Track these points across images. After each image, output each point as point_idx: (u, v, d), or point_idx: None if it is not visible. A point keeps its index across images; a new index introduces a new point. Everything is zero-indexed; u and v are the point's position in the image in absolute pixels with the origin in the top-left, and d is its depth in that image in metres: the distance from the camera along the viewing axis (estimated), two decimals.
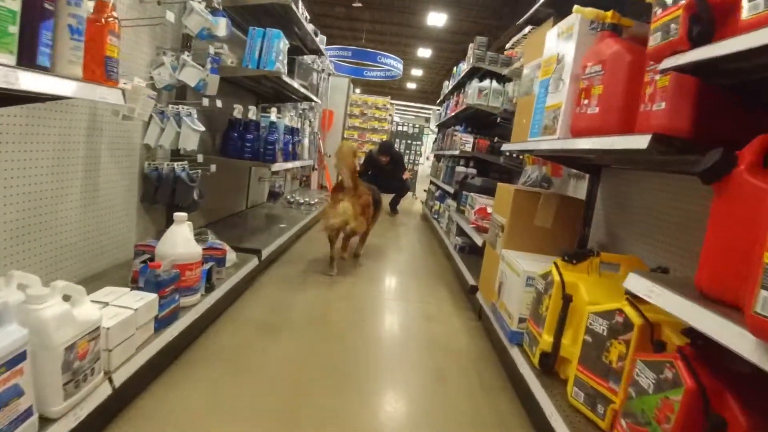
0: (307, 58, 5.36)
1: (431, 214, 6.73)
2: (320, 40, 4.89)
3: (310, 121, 6.64)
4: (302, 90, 4.36)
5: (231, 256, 3.15)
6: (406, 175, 7.54)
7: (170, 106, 3.00)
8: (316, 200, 6.14)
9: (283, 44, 3.60)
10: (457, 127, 5.92)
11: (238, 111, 3.57)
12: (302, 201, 5.87)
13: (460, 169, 5.18)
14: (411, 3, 15.10)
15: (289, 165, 3.98)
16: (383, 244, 5.55)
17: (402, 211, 8.17)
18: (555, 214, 2.91)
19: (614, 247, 2.77)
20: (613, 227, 2.86)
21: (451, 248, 4.68)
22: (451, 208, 5.22)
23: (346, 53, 17.11)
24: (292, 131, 4.34)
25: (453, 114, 6.13)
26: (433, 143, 8.45)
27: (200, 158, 3.15)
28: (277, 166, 3.63)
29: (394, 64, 17.92)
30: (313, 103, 6.53)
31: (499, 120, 4.86)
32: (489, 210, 3.81)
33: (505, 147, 3.21)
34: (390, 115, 11.55)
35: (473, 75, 5.37)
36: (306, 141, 4.94)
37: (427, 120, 21.90)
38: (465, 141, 5.02)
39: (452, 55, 22.71)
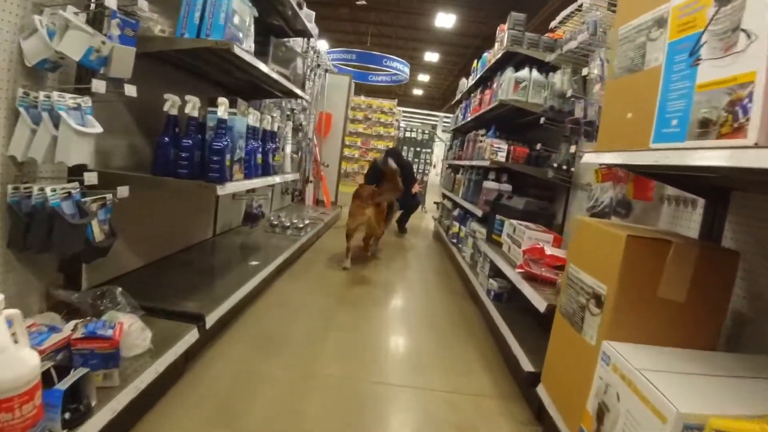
0: (296, 44, 4.09)
1: (448, 238, 5.43)
2: (307, 15, 3.61)
3: (300, 125, 5.36)
4: (279, 79, 3.09)
5: (143, 336, 1.87)
6: (416, 188, 6.24)
7: (57, 95, 1.75)
8: (307, 221, 4.85)
9: (242, 4, 2.33)
10: (482, 132, 4.60)
11: (171, 104, 2.29)
12: (289, 223, 4.58)
13: (489, 185, 3.89)
14: (418, 3, 13.91)
15: (255, 183, 2.70)
16: (390, 278, 4.27)
17: (410, 228, 6.87)
18: (692, 276, 1.63)
19: None
20: None
21: (483, 293, 3.38)
22: (477, 235, 3.92)
23: (350, 56, 15.90)
24: (264, 136, 3.07)
25: (475, 115, 4.84)
26: (447, 150, 7.12)
27: (91, 178, 1.87)
28: (232, 187, 2.35)
29: (400, 67, 16.68)
30: (302, 102, 5.25)
31: (543, 121, 3.58)
32: (548, 250, 2.52)
33: (590, 159, 1.94)
34: (397, 120, 10.29)
35: (506, 63, 4.08)
36: (289, 148, 3.65)
37: (434, 127, 20.65)
38: (497, 149, 3.73)
39: (459, 59, 21.49)
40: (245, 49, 2.40)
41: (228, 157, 2.32)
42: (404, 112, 19.02)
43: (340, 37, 18.79)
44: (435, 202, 10.75)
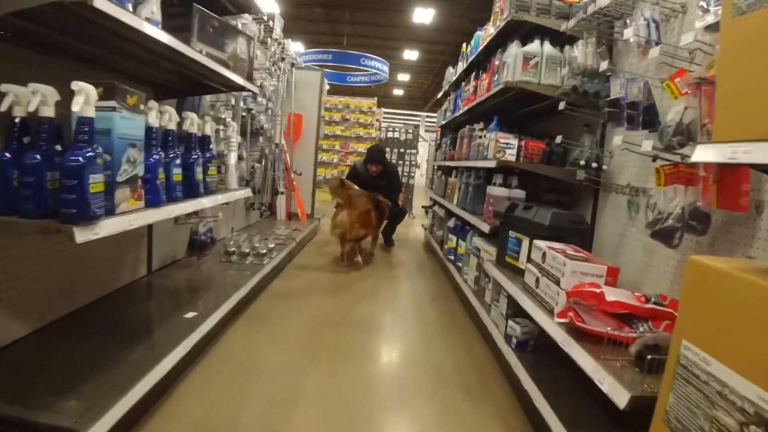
0: (247, 28, 3.16)
1: (443, 253, 4.57)
2: None
3: (262, 128, 4.42)
4: (206, 62, 2.17)
5: None
6: (401, 200, 5.33)
7: None
8: (273, 244, 3.91)
9: None
10: (478, 126, 3.71)
11: (13, 100, 1.36)
12: (249, 249, 3.64)
13: (496, 191, 3.00)
14: None
15: (162, 213, 1.76)
16: (377, 311, 3.36)
17: (398, 238, 5.96)
18: None
19: None
20: None
21: (499, 337, 2.50)
22: (483, 255, 3.04)
23: (327, 56, 14.93)
24: (189, 142, 2.14)
25: (469, 106, 3.97)
26: (436, 150, 6.19)
27: None
28: (112, 225, 1.42)
29: (379, 66, 15.76)
30: (265, 102, 4.32)
31: (563, 106, 2.71)
32: (608, 294, 1.63)
33: (701, 157, 1.03)
34: (377, 120, 9.38)
35: (508, 37, 3.21)
36: (234, 158, 2.73)
37: (417, 127, 19.78)
38: (505, 145, 2.85)
39: (440, 57, 20.69)
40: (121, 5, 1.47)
41: (96, 177, 1.39)
42: (386, 113, 18.13)
43: (316, 38, 17.83)
44: (423, 207, 9.86)
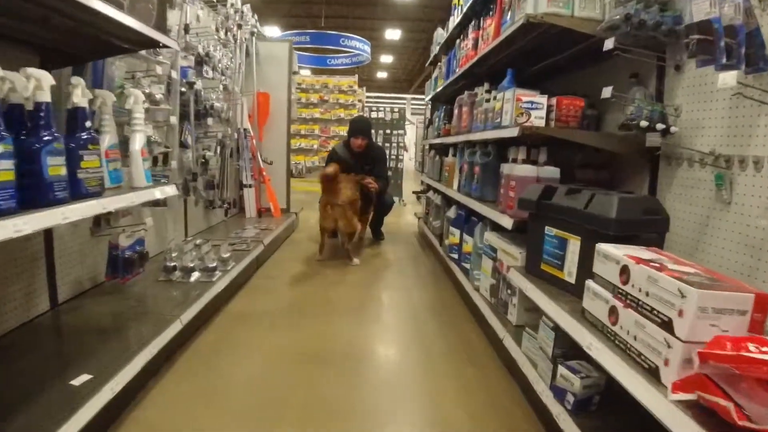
0: None
1: (444, 250, 3.71)
2: None
3: (212, 107, 3.54)
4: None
5: None
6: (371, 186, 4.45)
7: None
8: (229, 254, 3.03)
9: None
10: (482, 89, 2.85)
11: None
12: (194, 263, 2.77)
13: (519, 170, 2.16)
14: None
15: None
16: (361, 334, 2.52)
17: (387, 229, 5.11)
18: None
19: None
20: None
21: (545, 391, 1.64)
22: (503, 257, 2.19)
23: (304, 38, 13.89)
24: (38, 115, 1.24)
25: (469, 64, 3.10)
26: (426, 128, 5.27)
27: None
28: None
29: (359, 46, 14.75)
30: (209, 72, 3.44)
31: (612, 45, 1.86)
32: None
33: None
34: (359, 100, 8.45)
35: None
36: (138, 142, 1.83)
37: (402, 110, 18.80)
38: (530, 105, 1.99)
39: (423, 35, 19.64)
40: None
41: None
42: (369, 97, 17.09)
43: (292, 22, 16.72)
44: (414, 193, 8.99)
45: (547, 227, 1.83)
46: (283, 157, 5.19)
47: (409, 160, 16.41)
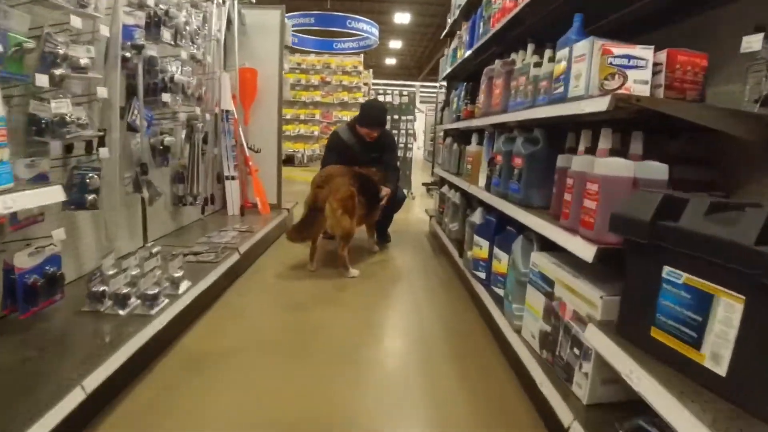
0: None
1: (466, 263, 2.93)
2: None
3: (169, 81, 2.76)
4: None
5: None
6: (385, 195, 3.68)
7: None
8: (180, 273, 2.27)
9: None
10: (525, 52, 2.03)
11: None
12: (126, 289, 2.00)
13: (602, 166, 1.31)
14: None
15: None
16: (359, 393, 1.73)
17: (395, 227, 4.33)
18: None
19: None
20: None
21: None
22: (568, 299, 1.40)
23: (309, 20, 13.02)
24: None
25: (510, 16, 2.25)
26: (442, 110, 4.41)
27: None
28: None
29: (367, 29, 13.85)
30: (165, 35, 2.66)
31: None
32: None
33: None
34: (365, 83, 7.62)
35: None
36: None
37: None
38: (626, 61, 1.17)
39: (433, 19, 18.70)
40: None
41: None
42: (376, 84, 16.18)
43: (297, 4, 15.82)
44: (425, 185, 8.18)
45: (668, 268, 1.04)
46: (274, 145, 4.40)
47: (417, 149, 15.59)
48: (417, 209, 6.32)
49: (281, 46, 4.35)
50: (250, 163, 4.18)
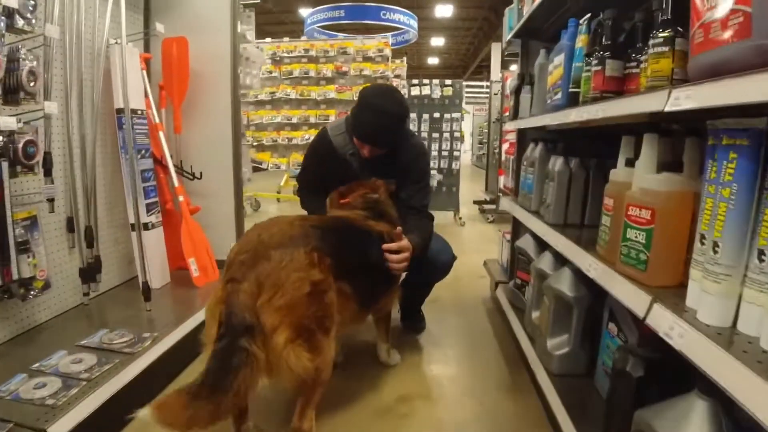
0: None
1: (600, 380, 0.84)
2: None
3: None
4: None
5: None
6: (397, 261, 1.72)
7: None
8: None
9: None
10: None
11: None
12: None
13: None
14: None
15: None
16: None
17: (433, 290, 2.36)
18: None
19: None
20: None
21: None
22: None
23: (338, 13, 11.29)
24: None
25: None
26: (515, 92, 2.32)
27: None
28: None
29: (405, 20, 11.93)
30: None
31: None
32: None
33: None
34: (397, 75, 5.71)
35: None
36: None
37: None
38: None
39: (479, 12, 16.56)
40: None
41: None
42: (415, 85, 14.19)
43: None
44: (477, 203, 6.14)
45: None
46: (227, 165, 2.54)
47: (464, 153, 13.47)
48: (467, 244, 4.31)
49: (234, 6, 2.48)
50: (180, 197, 2.35)
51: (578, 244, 1.31)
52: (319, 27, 11.52)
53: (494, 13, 15.14)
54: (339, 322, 1.50)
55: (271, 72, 4.96)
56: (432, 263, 1.98)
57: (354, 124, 1.92)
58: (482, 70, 22.78)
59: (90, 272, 2.04)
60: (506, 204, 2.28)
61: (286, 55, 4.97)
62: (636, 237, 0.98)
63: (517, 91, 2.24)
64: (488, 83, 8.88)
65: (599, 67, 1.22)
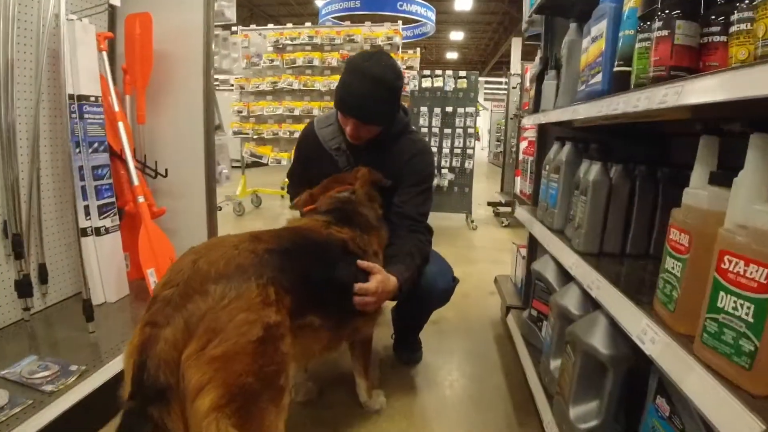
0: None
1: None
2: None
3: None
4: None
5: None
6: (369, 297, 1.34)
7: None
8: None
9: None
10: None
11: None
12: None
13: None
14: None
15: None
16: None
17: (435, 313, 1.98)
18: None
19: None
20: None
21: None
22: None
23: (354, 3, 10.85)
24: None
25: None
26: (535, 81, 1.86)
27: None
28: None
29: (422, 12, 11.44)
30: None
31: None
32: None
33: None
34: (409, 66, 5.30)
35: None
36: None
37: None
38: None
39: (499, 5, 15.97)
40: None
41: None
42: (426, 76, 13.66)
43: None
44: (491, 205, 5.70)
45: None
46: (198, 163, 2.18)
47: (480, 150, 12.94)
48: (478, 252, 3.90)
49: None
50: (140, 198, 2.00)
51: (625, 291, 0.91)
52: (333, 18, 11.10)
53: (515, 6, 14.53)
54: (302, 355, 1.16)
55: (272, 60, 4.59)
56: (427, 290, 1.59)
57: (338, 94, 1.57)
58: (502, 66, 22.09)
59: (24, 285, 1.71)
60: (523, 215, 1.87)
61: (289, 42, 4.59)
62: (737, 309, 0.58)
63: (538, 78, 1.82)
64: (507, 78, 8.38)
65: (665, 32, 0.82)
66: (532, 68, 2.20)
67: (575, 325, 1.23)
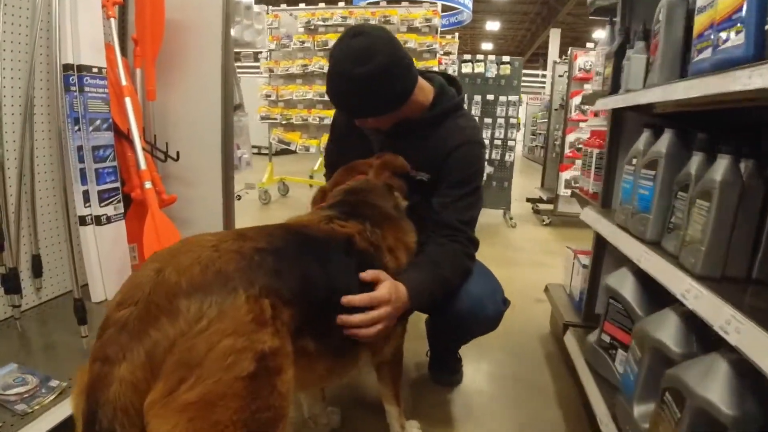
0: None
1: None
2: None
3: None
4: None
5: None
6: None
7: None
8: None
9: None
10: None
11: None
12: None
13: None
14: None
15: None
16: None
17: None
18: None
19: None
20: None
21: None
22: None
23: None
24: None
25: None
26: (613, 57, 1.52)
27: None
28: None
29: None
30: None
31: None
32: None
33: None
34: (446, 52, 4.91)
35: None
36: None
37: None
38: None
39: None
40: None
41: None
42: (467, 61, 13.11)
43: None
44: (530, 201, 5.31)
45: None
46: (215, 146, 1.92)
47: (517, 143, 12.43)
48: (519, 253, 3.55)
49: None
50: (148, 183, 1.76)
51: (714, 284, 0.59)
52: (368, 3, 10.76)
53: None
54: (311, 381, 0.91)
55: (303, 42, 4.31)
56: (471, 314, 1.28)
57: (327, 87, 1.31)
58: (538, 58, 21.31)
59: (10, 281, 1.49)
60: (590, 217, 1.54)
61: (321, 23, 4.29)
62: None
63: (617, 54, 1.48)
64: (544, 72, 7.88)
65: None
66: (600, 46, 1.84)
67: (680, 369, 0.91)
